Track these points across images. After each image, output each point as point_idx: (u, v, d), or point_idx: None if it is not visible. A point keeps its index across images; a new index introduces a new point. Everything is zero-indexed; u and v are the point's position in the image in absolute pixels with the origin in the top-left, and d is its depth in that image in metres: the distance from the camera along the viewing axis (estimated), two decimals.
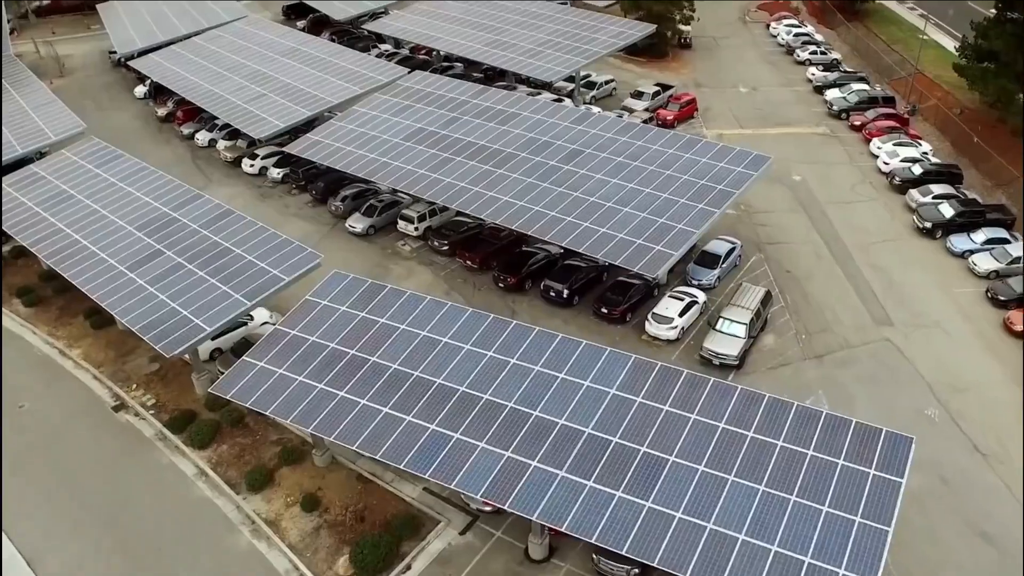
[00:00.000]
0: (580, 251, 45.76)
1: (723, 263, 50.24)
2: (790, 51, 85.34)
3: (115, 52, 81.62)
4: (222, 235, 45.29)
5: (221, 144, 66.85)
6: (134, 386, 44.51)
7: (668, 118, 69.64)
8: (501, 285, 49.98)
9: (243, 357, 38.32)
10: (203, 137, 68.73)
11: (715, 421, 32.69)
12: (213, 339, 43.36)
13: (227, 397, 36.76)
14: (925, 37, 78.41)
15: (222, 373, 42.44)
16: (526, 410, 33.83)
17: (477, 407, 34.16)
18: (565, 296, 48.07)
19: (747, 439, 32.00)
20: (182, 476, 39.47)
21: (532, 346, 36.33)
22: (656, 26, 76.85)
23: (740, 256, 52.08)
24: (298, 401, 35.64)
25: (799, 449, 31.48)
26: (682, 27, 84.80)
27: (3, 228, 50.12)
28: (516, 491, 31.09)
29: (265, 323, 46.35)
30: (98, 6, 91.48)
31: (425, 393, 35.03)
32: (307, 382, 36.35)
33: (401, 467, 32.92)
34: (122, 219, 48.30)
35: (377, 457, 33.33)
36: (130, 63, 77.84)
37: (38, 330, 48.82)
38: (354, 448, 33.90)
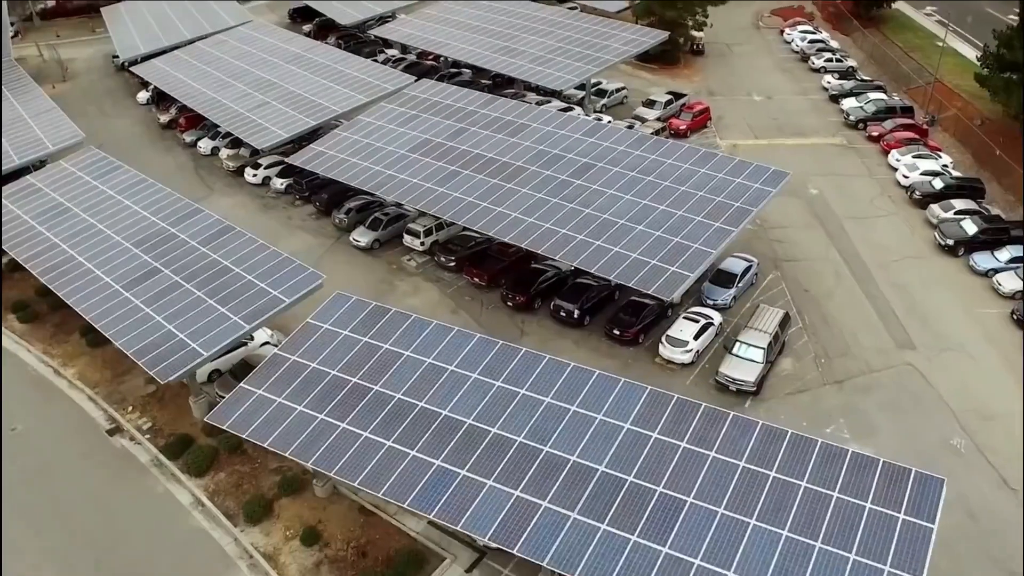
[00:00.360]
0: (592, 272, 44.11)
1: (739, 282, 48.60)
2: (805, 58, 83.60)
3: (118, 56, 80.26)
4: (221, 252, 43.79)
5: (224, 153, 65.44)
6: (130, 408, 43.09)
7: (681, 128, 68.01)
8: (510, 304, 48.41)
9: (241, 384, 36.81)
10: (206, 145, 67.31)
11: (735, 459, 31.08)
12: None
13: (223, 427, 35.22)
14: (942, 44, 76.63)
15: (220, 396, 41.14)
16: (536, 445, 32.25)
17: (485, 441, 32.58)
18: (576, 316, 46.46)
19: (769, 479, 30.39)
20: (178, 506, 38.00)
21: (543, 376, 34.73)
22: (669, 33, 75.09)
23: (756, 274, 50.42)
24: (297, 432, 34.12)
25: (824, 491, 29.85)
26: (695, 33, 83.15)
27: (1, 242, 48.65)
28: (526, 534, 29.50)
29: (266, 343, 44.89)
30: (102, 9, 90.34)
31: (430, 425, 33.47)
32: (307, 412, 34.83)
33: (405, 506, 31.35)
34: (119, 234, 46.86)
35: (380, 495, 31.73)
36: (132, 69, 76.47)
37: (33, 348, 47.45)
38: (355, 484, 32.33)
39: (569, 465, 31.44)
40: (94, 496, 38.29)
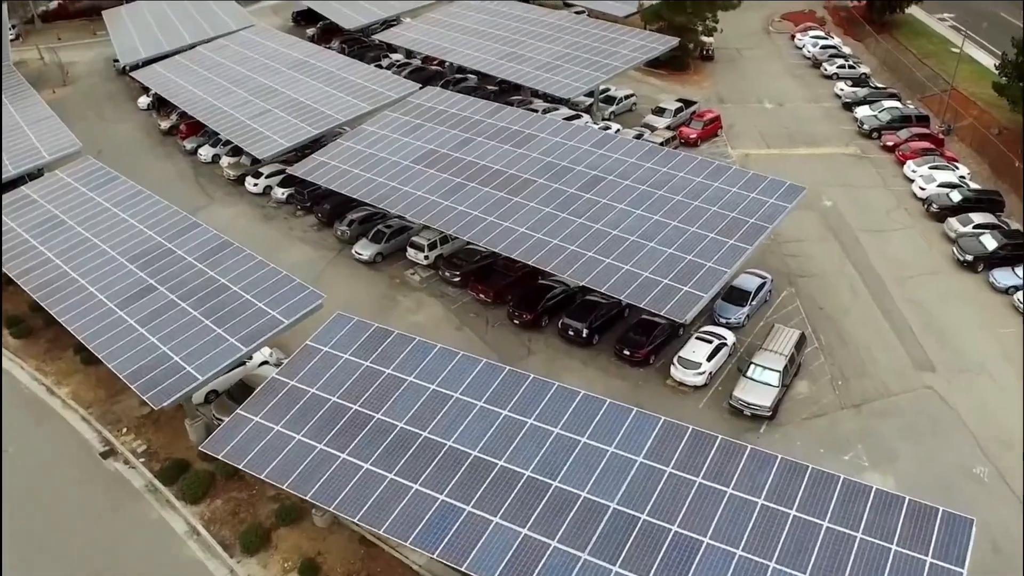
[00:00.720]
0: (601, 291, 42.67)
1: (753, 300, 47.11)
2: (816, 64, 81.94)
3: (119, 60, 79.01)
4: (219, 269, 42.44)
5: (224, 161, 64.12)
6: (124, 429, 41.81)
7: (691, 136, 66.56)
8: (516, 322, 46.99)
9: (238, 410, 35.45)
10: (206, 152, 66.03)
11: (753, 496, 29.66)
12: None
13: (219, 457, 33.86)
14: (956, 50, 75.00)
15: (218, 419, 39.90)
16: (545, 480, 30.85)
17: (491, 475, 31.19)
18: (584, 335, 45.04)
19: (789, 518, 28.96)
20: (172, 534, 36.71)
21: (551, 404, 33.34)
22: (679, 40, 73.55)
23: (771, 291, 48.96)
24: (295, 463, 32.75)
25: (848, 531, 28.41)
26: (704, 38, 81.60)
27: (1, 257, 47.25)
28: None
29: (265, 363, 43.56)
30: (103, 12, 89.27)
31: (434, 457, 32.08)
32: (306, 441, 33.47)
33: (407, 544, 29.96)
34: (114, 249, 45.54)
35: (381, 532, 30.35)
36: (132, 74, 75.22)
37: (26, 365, 46.22)
38: (356, 520, 30.95)
39: (580, 501, 30.04)
40: (86, 523, 36.98)
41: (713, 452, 31.13)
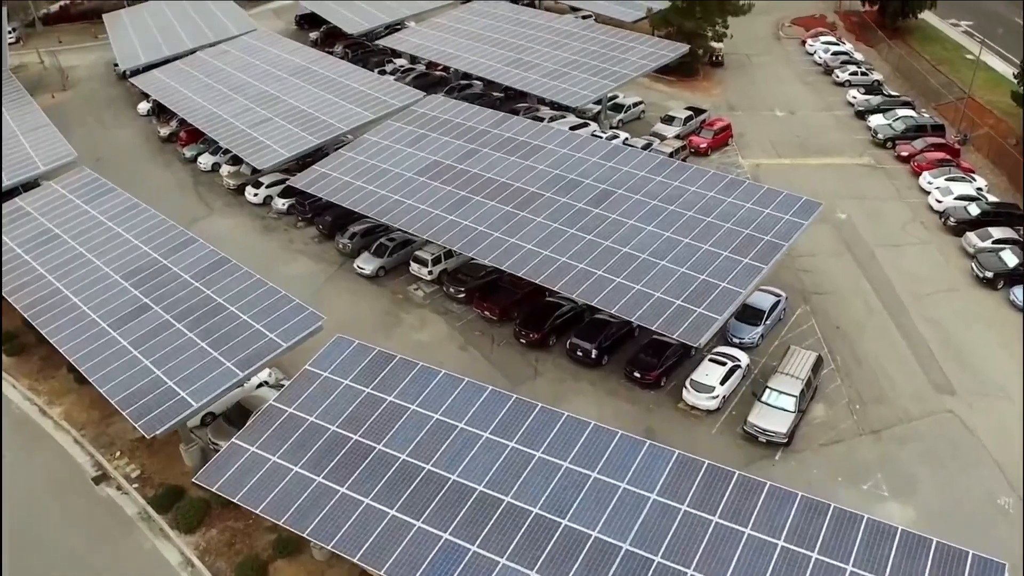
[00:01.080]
0: (612, 312, 41.20)
1: (767, 319, 45.67)
2: (828, 71, 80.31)
3: (119, 65, 77.80)
4: (215, 288, 41.07)
5: (224, 170, 62.81)
6: (118, 453, 40.50)
7: (701, 146, 65.07)
8: (523, 341, 45.54)
9: (233, 439, 34.05)
10: (206, 161, 64.71)
11: (773, 538, 28.24)
12: None
13: (213, 489, 32.49)
14: (971, 56, 73.41)
15: (214, 443, 38.67)
16: (554, 518, 29.45)
17: (497, 512, 29.79)
18: (593, 356, 43.61)
19: (811, 562, 27.55)
20: (165, 565, 35.42)
21: (561, 436, 31.93)
22: (689, 46, 72.01)
23: (785, 309, 47.49)
24: (293, 497, 31.40)
25: None
26: (714, 44, 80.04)
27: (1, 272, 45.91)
28: None
29: (263, 383, 42.18)
30: (104, 16, 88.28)
31: (438, 492, 30.69)
32: (303, 474, 32.11)
33: None
34: (108, 265, 44.21)
35: (382, 574, 28.90)
36: (132, 80, 73.94)
37: (18, 383, 45.00)
38: (355, 560, 29.54)
39: (590, 542, 28.64)
40: (76, 554, 35.71)
41: (730, 489, 29.71)
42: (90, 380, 38.08)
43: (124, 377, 37.10)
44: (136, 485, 38.89)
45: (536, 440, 31.87)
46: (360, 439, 32.96)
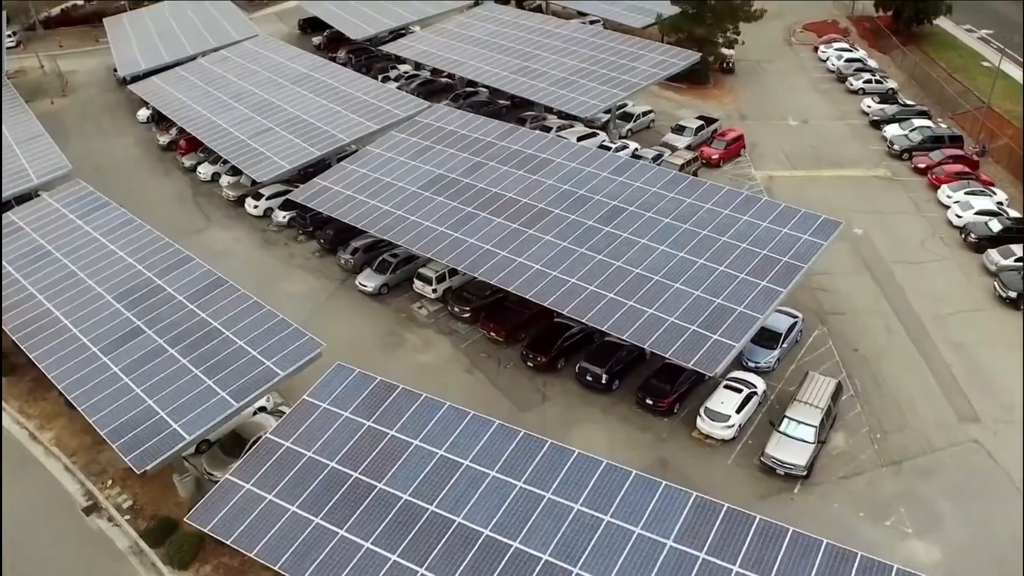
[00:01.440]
0: (623, 338, 39.55)
1: (784, 342, 44.01)
2: (841, 78, 78.55)
3: (118, 71, 76.36)
4: (210, 311, 39.50)
5: (224, 180, 61.29)
6: (109, 482, 39.01)
7: (713, 156, 63.39)
8: (530, 364, 43.93)
9: (227, 476, 32.46)
10: (206, 171, 63.20)
11: None
12: None
13: (206, 530, 30.91)
14: (987, 64, 71.57)
15: (208, 473, 37.09)
16: (564, 566, 27.85)
17: (504, 559, 28.18)
18: (604, 381, 41.99)
19: None
20: None
21: (571, 475, 30.33)
22: (701, 54, 70.29)
23: (801, 331, 45.81)
24: (290, 539, 29.84)
25: None
26: (725, 51, 78.31)
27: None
28: None
29: (261, 409, 40.61)
30: (104, 20, 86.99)
31: (442, 536, 29.09)
32: (300, 514, 30.53)
33: None
34: (101, 285, 42.70)
35: None
36: (131, 87, 72.44)
37: (8, 407, 43.44)
38: None
39: None
40: None
41: (751, 535, 28.10)
42: (79, 409, 36.49)
43: (115, 406, 35.53)
44: (128, 517, 37.41)
45: (546, 480, 30.27)
46: (360, 476, 31.38)
